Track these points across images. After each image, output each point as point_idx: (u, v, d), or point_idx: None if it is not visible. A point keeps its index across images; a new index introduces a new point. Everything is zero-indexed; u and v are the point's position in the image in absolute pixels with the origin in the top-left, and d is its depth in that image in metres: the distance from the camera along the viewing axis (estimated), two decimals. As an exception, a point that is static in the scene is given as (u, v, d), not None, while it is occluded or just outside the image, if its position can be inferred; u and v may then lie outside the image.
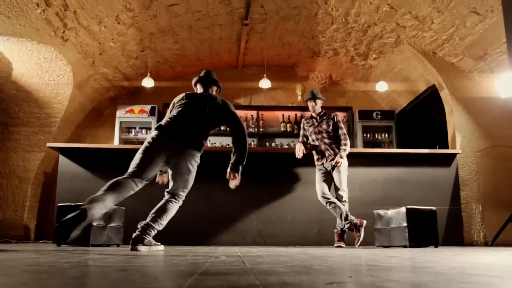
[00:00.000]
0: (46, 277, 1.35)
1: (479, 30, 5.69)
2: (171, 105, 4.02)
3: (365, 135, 8.11)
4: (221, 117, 3.90)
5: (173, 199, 3.64)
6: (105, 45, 6.56)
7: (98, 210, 3.21)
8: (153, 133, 3.70)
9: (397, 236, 4.62)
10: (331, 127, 5.11)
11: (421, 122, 7.76)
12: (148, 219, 3.58)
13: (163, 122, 3.76)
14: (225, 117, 3.91)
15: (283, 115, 8.36)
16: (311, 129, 5.23)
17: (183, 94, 3.97)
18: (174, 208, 3.65)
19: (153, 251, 3.42)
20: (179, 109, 3.82)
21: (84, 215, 3.06)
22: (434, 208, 4.78)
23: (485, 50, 5.99)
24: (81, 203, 3.23)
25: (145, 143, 3.65)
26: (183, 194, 3.70)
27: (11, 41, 5.74)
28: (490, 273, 1.53)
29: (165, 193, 3.69)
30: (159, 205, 3.63)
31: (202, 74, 4.12)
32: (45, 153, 6.63)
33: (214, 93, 4.08)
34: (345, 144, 5.00)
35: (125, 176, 3.50)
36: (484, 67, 6.26)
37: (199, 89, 4.08)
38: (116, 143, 7.75)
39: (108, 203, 3.31)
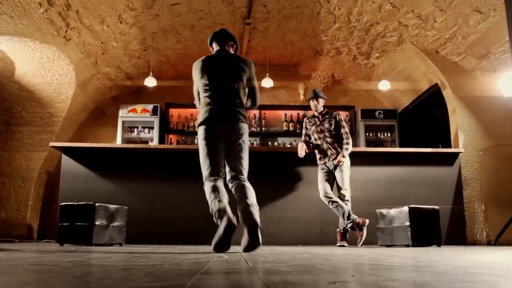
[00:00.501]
0: (49, 276, 1.35)
1: (482, 28, 5.68)
2: (195, 78, 3.76)
3: (367, 134, 8.10)
4: (245, 75, 3.69)
5: (244, 181, 3.48)
6: (107, 45, 6.57)
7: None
8: (201, 128, 3.52)
9: (399, 235, 4.62)
10: (333, 126, 5.11)
11: (424, 121, 7.74)
12: (255, 218, 3.25)
13: (202, 116, 3.54)
14: (248, 77, 3.72)
15: (285, 114, 8.36)
16: (313, 128, 5.22)
17: (200, 64, 3.70)
18: (251, 187, 3.47)
19: None
20: (209, 93, 3.59)
21: (233, 226, 3.11)
22: (436, 207, 4.77)
23: (488, 49, 5.97)
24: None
25: (202, 142, 3.50)
26: (246, 175, 3.54)
27: (13, 40, 5.75)
28: (493, 272, 1.53)
29: (230, 182, 3.51)
30: (242, 197, 3.36)
31: (217, 31, 3.90)
32: (48, 152, 6.65)
33: (231, 50, 3.87)
34: (347, 143, 4.99)
35: (210, 181, 3.43)
36: (487, 66, 6.24)
37: (215, 47, 3.86)
38: (118, 142, 7.76)
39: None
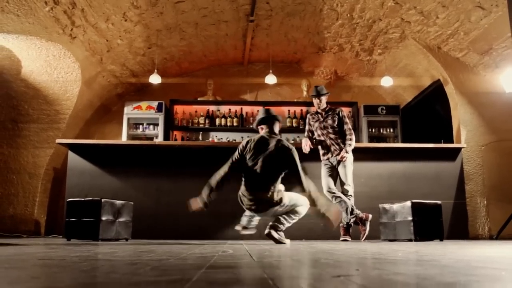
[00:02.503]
0: (57, 270, 1.36)
1: (484, 24, 5.64)
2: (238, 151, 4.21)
3: (370, 130, 8.07)
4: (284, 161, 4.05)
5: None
6: (112, 42, 6.57)
7: None
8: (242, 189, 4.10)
9: (402, 230, 4.61)
10: (336, 123, 5.09)
11: (426, 116, 7.71)
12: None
13: (240, 199, 4.12)
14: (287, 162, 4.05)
15: (288, 110, 8.34)
16: (316, 124, 5.21)
17: (244, 146, 4.16)
18: None
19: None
20: (246, 179, 4.09)
21: None
22: (439, 202, 4.75)
23: (490, 45, 5.94)
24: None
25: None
26: None
27: (20, 39, 5.76)
28: (495, 266, 1.53)
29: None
30: None
31: (263, 114, 4.26)
32: (55, 149, 6.66)
33: (277, 129, 4.25)
34: (350, 139, 4.98)
35: None
36: (489, 61, 6.21)
37: (264, 128, 4.23)
38: (124, 139, 7.77)
39: None
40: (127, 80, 7.91)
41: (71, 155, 5.56)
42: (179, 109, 8.26)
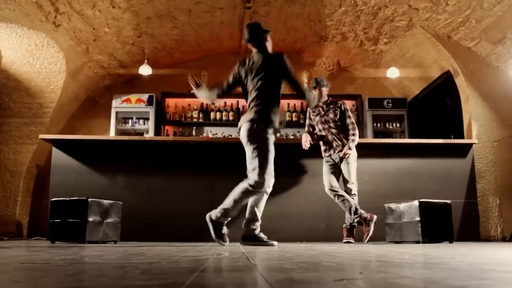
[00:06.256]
0: (41, 274, 1.35)
1: (497, 11, 5.63)
2: None
3: (375, 124, 8.08)
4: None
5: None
6: (99, 31, 6.54)
7: None
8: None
9: (409, 231, 4.62)
10: (338, 116, 5.09)
11: (435, 110, 7.71)
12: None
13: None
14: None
15: (288, 104, 8.34)
16: (317, 118, 5.21)
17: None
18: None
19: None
20: None
21: None
22: (448, 201, 4.76)
23: (504, 34, 5.93)
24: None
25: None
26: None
27: None
28: (509, 269, 1.53)
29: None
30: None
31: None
32: (38, 145, 6.64)
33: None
34: (354, 134, 4.98)
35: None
36: (502, 51, 6.20)
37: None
38: (112, 134, 7.75)
39: None
40: (115, 71, 7.88)
41: (56, 152, 5.54)
42: (171, 102, 8.25)
